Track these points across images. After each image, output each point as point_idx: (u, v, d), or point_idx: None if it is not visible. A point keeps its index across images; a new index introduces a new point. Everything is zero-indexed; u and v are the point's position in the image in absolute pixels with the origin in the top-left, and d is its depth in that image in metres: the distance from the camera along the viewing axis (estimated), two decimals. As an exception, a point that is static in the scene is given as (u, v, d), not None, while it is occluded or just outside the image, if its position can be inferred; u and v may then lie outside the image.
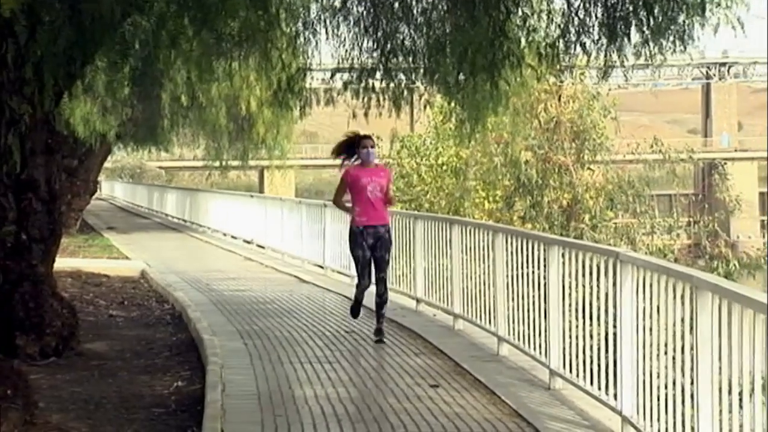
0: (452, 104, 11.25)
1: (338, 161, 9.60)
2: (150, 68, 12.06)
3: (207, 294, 12.89)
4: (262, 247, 19.70)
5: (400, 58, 9.24)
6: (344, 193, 9.47)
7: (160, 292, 13.37)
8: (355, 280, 9.80)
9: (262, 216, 20.17)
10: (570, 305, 7.09)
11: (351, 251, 9.32)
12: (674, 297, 5.36)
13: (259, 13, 8.25)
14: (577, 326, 6.94)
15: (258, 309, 11.48)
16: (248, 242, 20.95)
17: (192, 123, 22.44)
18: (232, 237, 22.34)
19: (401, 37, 9.07)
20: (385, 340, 9.09)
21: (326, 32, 9.30)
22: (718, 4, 7.46)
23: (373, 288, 9.32)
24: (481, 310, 9.09)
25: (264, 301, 12.21)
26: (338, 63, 9.95)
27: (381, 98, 10.23)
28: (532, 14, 8.38)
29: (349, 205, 9.49)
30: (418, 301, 11.07)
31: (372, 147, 9.27)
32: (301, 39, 9.46)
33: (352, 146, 9.37)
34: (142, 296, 13.14)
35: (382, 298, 9.22)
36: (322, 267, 15.53)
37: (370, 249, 9.14)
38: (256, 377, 7.70)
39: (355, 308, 9.71)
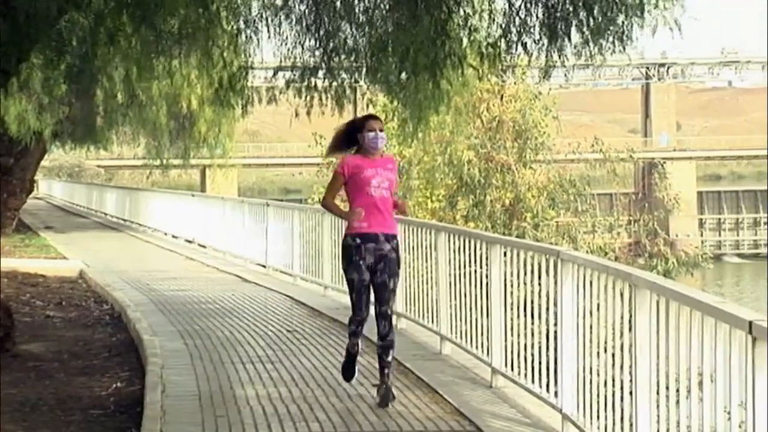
0: (395, 103, 11.29)
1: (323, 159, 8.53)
2: (88, 65, 11.90)
3: (147, 294, 12.76)
4: (204, 247, 19.56)
5: (343, 57, 9.24)
6: (337, 192, 7.09)
7: (98, 292, 13.21)
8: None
9: (204, 215, 20.03)
10: (512, 304, 7.15)
11: (344, 272, 6.92)
12: (614, 295, 5.43)
13: (200, 11, 8.21)
14: (519, 325, 7.00)
15: (199, 309, 11.40)
16: (190, 242, 20.78)
17: (132, 121, 22.17)
18: (173, 236, 22.15)
19: (343, 36, 9.08)
20: (391, 403, 6.65)
21: (268, 30, 9.27)
22: (656, 6, 7.58)
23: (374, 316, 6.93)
24: (423, 309, 9.12)
25: (205, 300, 12.12)
26: (280, 61, 9.92)
27: (324, 97, 10.23)
28: (474, 14, 8.43)
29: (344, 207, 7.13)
30: (360, 300, 11.05)
31: (381, 130, 6.83)
32: (243, 37, 9.42)
33: (352, 134, 6.94)
34: (80, 297, 12.97)
35: (385, 341, 6.77)
36: (264, 266, 15.47)
37: (369, 270, 6.77)
38: (197, 377, 7.64)
39: (348, 365, 7.08)
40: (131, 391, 7.44)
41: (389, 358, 6.78)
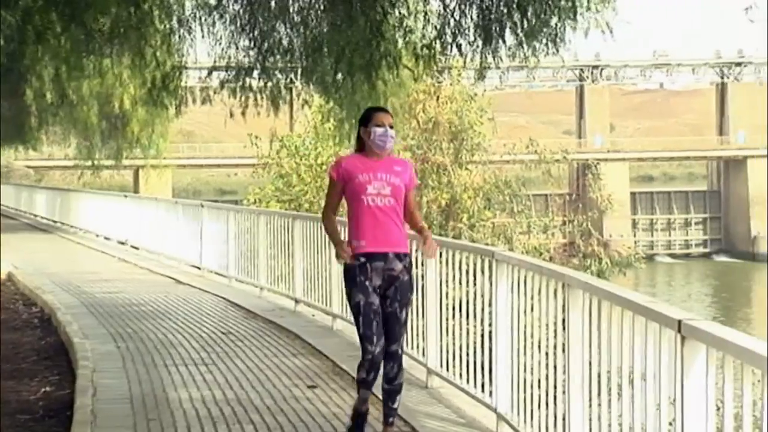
0: (331, 104, 11.29)
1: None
2: (15, 64, 11.70)
3: (78, 296, 12.57)
4: (137, 248, 19.33)
5: (278, 57, 9.23)
6: (338, 202, 5.82)
7: (27, 294, 12.98)
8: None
9: (137, 216, 19.80)
10: (447, 304, 7.19)
11: (348, 297, 5.72)
12: (548, 295, 5.49)
13: (131, 10, 8.12)
14: (454, 325, 7.04)
15: (132, 311, 11.26)
16: (122, 243, 20.53)
17: (62, 121, 21.88)
18: (106, 238, 21.86)
19: (278, 36, 9.06)
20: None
21: (202, 30, 9.23)
22: (588, 8, 7.70)
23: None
24: (359, 310, 9.11)
25: (138, 303, 11.98)
26: (215, 61, 9.87)
27: (259, 97, 10.20)
28: (409, 15, 8.49)
29: (340, 226, 6.12)
30: (297, 301, 11.05)
31: (391, 126, 5.72)
32: (176, 36, 9.35)
33: (359, 128, 5.80)
34: (8, 299, 12.72)
35: (393, 385, 5.66)
36: (199, 268, 15.34)
37: (377, 294, 5.60)
38: (129, 381, 7.55)
39: (358, 418, 5.73)
40: (61, 395, 7.33)
41: (396, 405, 5.68)
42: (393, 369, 5.63)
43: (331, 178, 5.72)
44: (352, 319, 9.17)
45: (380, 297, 5.59)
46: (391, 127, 5.70)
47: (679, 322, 3.69)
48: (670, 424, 3.91)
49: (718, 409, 3.51)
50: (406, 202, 5.69)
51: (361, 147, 5.72)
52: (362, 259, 5.54)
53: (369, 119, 5.70)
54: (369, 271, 5.55)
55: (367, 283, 5.54)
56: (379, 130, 5.64)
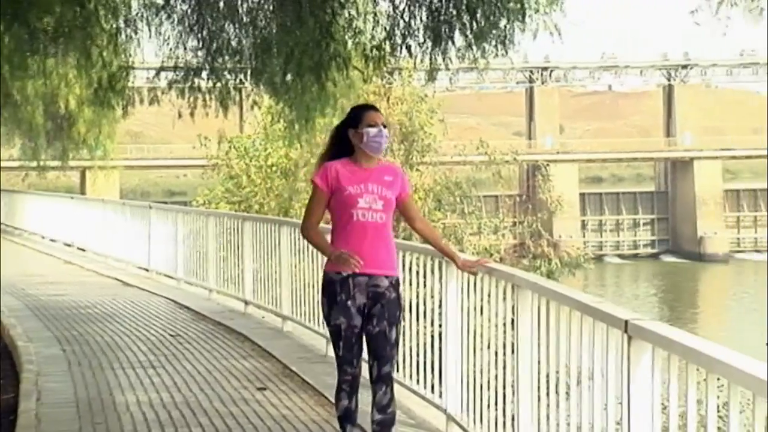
0: (280, 105, 11.26)
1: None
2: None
3: (23, 299, 12.40)
4: (84, 250, 19.11)
5: (227, 58, 9.19)
6: (322, 214, 5.16)
7: (-29, 298, 12.77)
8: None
9: (84, 218, 19.58)
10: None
11: (326, 319, 5.11)
12: (497, 295, 5.52)
13: (76, 9, 8.02)
14: (404, 326, 7.05)
15: (78, 314, 11.13)
16: (69, 245, 20.28)
17: (6, 121, 21.55)
18: (52, 240, 21.58)
19: (227, 37, 9.02)
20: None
21: (149, 30, 9.15)
22: (537, 11, 7.76)
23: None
24: (310, 312, 9.12)
25: (85, 305, 11.85)
26: (163, 62, 9.79)
27: (207, 98, 10.15)
28: (358, 16, 8.49)
29: (327, 235, 5.25)
30: (246, 303, 11.00)
31: (385, 126, 5.10)
32: (123, 36, 9.26)
33: (345, 130, 5.12)
34: (-48, 303, 12.51)
35: (386, 414, 5.01)
36: (147, 270, 15.21)
37: (360, 314, 5.01)
38: (74, 384, 7.47)
39: None
40: (4, 400, 7.22)
41: None
42: (385, 395, 4.98)
43: (316, 186, 5.04)
44: (303, 320, 9.23)
45: (365, 317, 4.98)
46: (385, 126, 5.09)
47: (626, 322, 3.74)
48: (618, 423, 3.96)
49: (665, 407, 3.56)
50: (411, 212, 5.24)
51: (342, 151, 5.08)
52: (344, 274, 4.94)
53: (360, 119, 5.05)
54: (351, 288, 4.95)
55: (349, 303, 4.94)
56: (373, 131, 5.01)
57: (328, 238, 5.17)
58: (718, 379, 3.09)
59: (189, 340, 9.37)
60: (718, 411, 3.22)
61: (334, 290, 4.99)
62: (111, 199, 22.38)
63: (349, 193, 4.96)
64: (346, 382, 5.07)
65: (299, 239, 9.48)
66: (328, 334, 7.85)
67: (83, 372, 7.92)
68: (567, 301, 4.48)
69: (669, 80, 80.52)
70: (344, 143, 5.09)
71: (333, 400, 5.47)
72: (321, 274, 5.19)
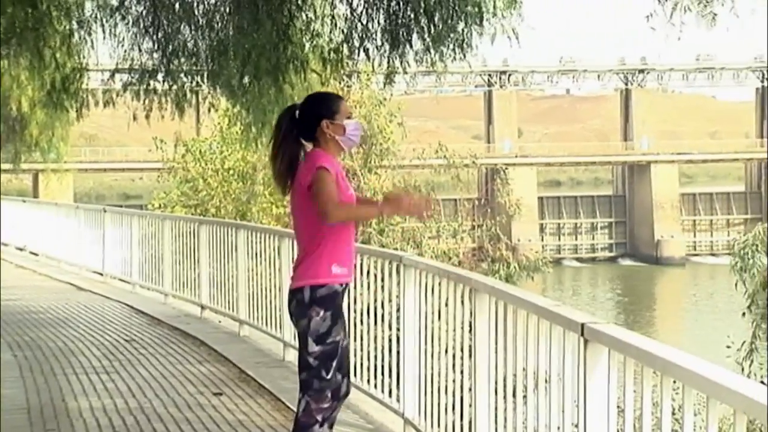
0: (237, 108, 11.22)
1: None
2: None
3: (-26, 305, 12.23)
4: (36, 255, 18.91)
5: (183, 60, 9.14)
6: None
7: None
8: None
9: (36, 222, 19.37)
10: (356, 310, 7.20)
11: (323, 335, 4.57)
12: (455, 299, 5.55)
13: (28, 10, 7.94)
14: (362, 330, 7.06)
15: (30, 319, 11.00)
16: (21, 249, 20.04)
17: (-43, 123, 21.26)
18: (3, 244, 21.29)
19: (183, 39, 8.97)
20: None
21: (103, 31, 9.07)
22: (495, 15, 7.81)
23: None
24: (267, 316, 9.09)
25: (37, 310, 11.72)
26: (117, 63, 9.72)
27: (163, 100, 10.09)
28: (316, 19, 8.49)
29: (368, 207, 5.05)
30: (203, 307, 10.95)
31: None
32: (76, 37, 9.18)
33: (311, 123, 4.60)
34: None
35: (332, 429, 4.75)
36: (101, 274, 15.08)
37: None
38: (26, 390, 7.38)
39: None
40: (-44, 408, 7.11)
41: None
42: (338, 411, 4.78)
43: (328, 171, 4.48)
44: (260, 325, 9.20)
45: None
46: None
47: (582, 325, 3.77)
48: (575, 425, 3.99)
49: (621, 410, 3.59)
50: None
51: (297, 140, 4.61)
52: (340, 288, 4.60)
53: (336, 110, 4.62)
54: (341, 301, 4.63)
55: (343, 318, 4.63)
56: (353, 123, 4.66)
57: (321, 250, 4.57)
58: (674, 381, 3.12)
59: (144, 344, 9.30)
60: (673, 413, 3.27)
61: (339, 303, 4.59)
62: (64, 203, 22.15)
63: (350, 193, 4.63)
64: (325, 411, 4.61)
65: (256, 242, 9.45)
66: (284, 338, 7.82)
67: (35, 378, 7.83)
68: (524, 305, 4.51)
69: (626, 84, 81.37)
70: (305, 132, 4.60)
71: (288, 404, 5.47)
72: (306, 285, 4.56)
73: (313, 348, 4.54)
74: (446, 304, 5.67)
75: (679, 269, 72.14)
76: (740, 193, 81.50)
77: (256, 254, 9.49)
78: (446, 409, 5.56)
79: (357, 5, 7.94)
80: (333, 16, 8.45)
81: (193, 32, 8.91)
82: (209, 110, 12.39)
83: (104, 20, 9.02)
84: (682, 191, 79.02)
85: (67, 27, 9.09)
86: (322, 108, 4.63)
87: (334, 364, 4.56)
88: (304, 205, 4.55)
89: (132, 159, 75.55)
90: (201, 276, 10.99)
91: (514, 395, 4.76)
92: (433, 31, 7.71)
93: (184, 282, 11.73)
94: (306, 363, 4.57)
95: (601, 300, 61.89)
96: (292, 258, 8.30)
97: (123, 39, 9.02)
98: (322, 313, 4.52)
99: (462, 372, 5.44)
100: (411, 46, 7.95)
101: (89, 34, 9.14)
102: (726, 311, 43.42)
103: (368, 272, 6.91)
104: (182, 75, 9.56)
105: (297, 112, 4.62)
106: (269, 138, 5.06)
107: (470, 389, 5.17)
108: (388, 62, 8.24)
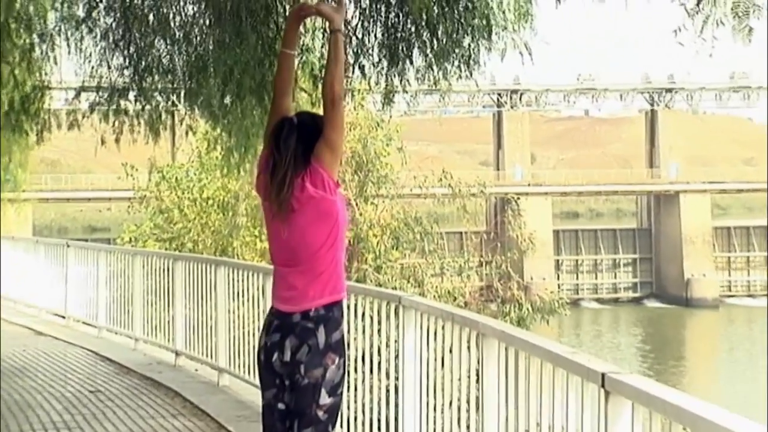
0: (218, 130, 11.26)
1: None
2: None
3: None
4: (-9, 295, 18.88)
5: (157, 78, 9.18)
6: None
7: None
8: None
9: (-9, 258, 19.37)
10: (350, 357, 7.19)
11: (336, 387, 4.44)
12: (460, 345, 5.55)
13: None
14: (356, 379, 7.05)
15: (-16, 368, 10.99)
16: (-26, 289, 20.03)
17: None
18: (-46, 283, 21.31)
19: (158, 54, 9.01)
20: None
21: (68, 46, 9.12)
22: (505, 28, 7.85)
23: None
24: (250, 364, 9.08)
25: (-9, 358, 11.70)
26: (84, 81, 9.77)
27: (135, 122, 10.12)
28: (306, 32, 8.53)
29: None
30: (177, 354, 10.93)
31: None
32: (38, 52, 9.23)
33: (313, 134, 4.51)
34: None
35: None
36: (63, 317, 15.06)
37: None
38: (-20, 450, 7.37)
39: None
40: None
41: None
42: None
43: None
44: (242, 373, 9.19)
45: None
46: None
47: (603, 375, 3.77)
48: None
49: (646, 470, 3.59)
50: None
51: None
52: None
53: None
54: None
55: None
56: None
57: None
58: (705, 438, 3.13)
59: (111, 396, 9.28)
60: (705, 474, 3.26)
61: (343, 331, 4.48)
62: (22, 236, 22.17)
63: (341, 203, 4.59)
64: None
65: (238, 280, 9.45)
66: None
67: (-11, 434, 7.82)
68: (538, 352, 4.52)
69: (652, 105, 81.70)
70: (306, 142, 4.50)
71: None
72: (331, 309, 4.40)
73: (326, 400, 4.40)
74: (450, 351, 5.67)
75: (712, 312, 72.06)
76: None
77: (238, 294, 9.49)
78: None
79: (352, 17, 8.00)
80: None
81: (168, 47, 8.96)
82: (186, 133, 12.43)
83: (69, 33, 9.06)
84: (715, 224, 79.09)
85: (28, 41, 9.14)
86: (320, 119, 4.55)
87: (339, 401, 4.49)
88: (315, 216, 4.41)
89: (99, 187, 75.64)
90: (176, 319, 10.98)
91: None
92: (436, 45, 7.75)
93: (157, 325, 11.71)
94: (314, 417, 4.39)
95: (624, 346, 61.76)
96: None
97: (90, 54, 9.06)
98: (337, 360, 4.40)
99: (468, 427, 5.44)
100: (411, 63, 7.99)
101: (52, 49, 9.19)
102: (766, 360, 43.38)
103: (363, 314, 6.91)
104: (156, 94, 9.60)
105: (295, 119, 4.54)
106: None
107: (478, 446, 5.17)
108: (386, 80, 8.27)
